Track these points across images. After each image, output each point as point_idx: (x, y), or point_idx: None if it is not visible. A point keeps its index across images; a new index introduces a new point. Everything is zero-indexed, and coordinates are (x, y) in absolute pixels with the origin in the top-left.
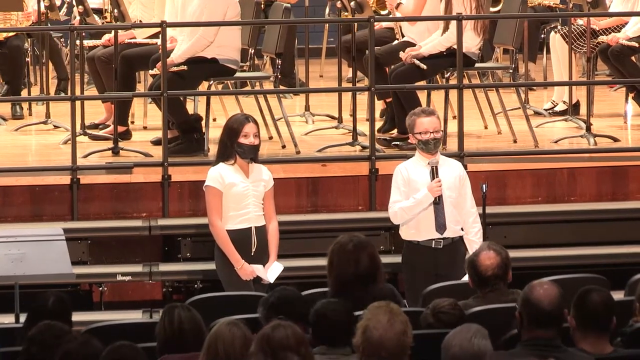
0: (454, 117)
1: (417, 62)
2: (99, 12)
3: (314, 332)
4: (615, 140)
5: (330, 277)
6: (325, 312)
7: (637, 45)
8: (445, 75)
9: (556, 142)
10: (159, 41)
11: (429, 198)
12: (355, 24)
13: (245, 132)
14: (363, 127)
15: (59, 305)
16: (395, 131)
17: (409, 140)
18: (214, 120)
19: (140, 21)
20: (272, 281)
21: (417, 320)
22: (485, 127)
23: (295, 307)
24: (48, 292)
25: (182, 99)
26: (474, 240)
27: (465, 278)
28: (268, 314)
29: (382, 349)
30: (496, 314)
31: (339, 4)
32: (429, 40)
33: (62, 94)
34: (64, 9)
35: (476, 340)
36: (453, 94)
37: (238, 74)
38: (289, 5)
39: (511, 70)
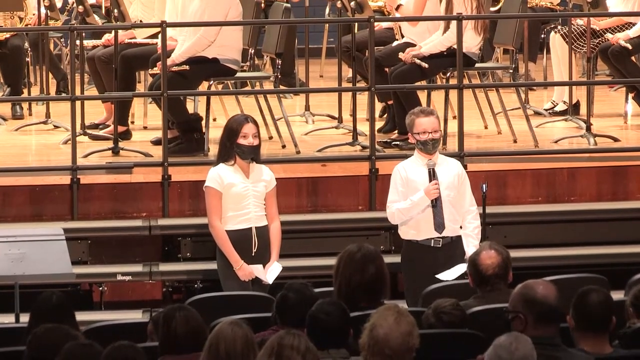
0: (454, 117)
1: (418, 60)
2: (100, 8)
3: (308, 334)
4: (615, 140)
5: (335, 284)
6: (318, 314)
7: (631, 47)
8: (446, 75)
9: (556, 142)
10: (158, 41)
11: (425, 200)
12: (356, 24)
13: (244, 132)
14: (363, 127)
15: (62, 305)
16: (396, 132)
17: (409, 140)
18: (214, 120)
19: (141, 21)
20: (270, 282)
21: (418, 320)
22: (485, 127)
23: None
24: (50, 291)
25: (182, 98)
26: (471, 235)
27: (457, 268)
28: (281, 316)
29: (387, 347)
30: (496, 314)
31: (339, 4)
32: (429, 40)
33: (63, 94)
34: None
35: (533, 353)
36: (453, 94)
37: (238, 74)
38: (289, 5)
39: (511, 70)
